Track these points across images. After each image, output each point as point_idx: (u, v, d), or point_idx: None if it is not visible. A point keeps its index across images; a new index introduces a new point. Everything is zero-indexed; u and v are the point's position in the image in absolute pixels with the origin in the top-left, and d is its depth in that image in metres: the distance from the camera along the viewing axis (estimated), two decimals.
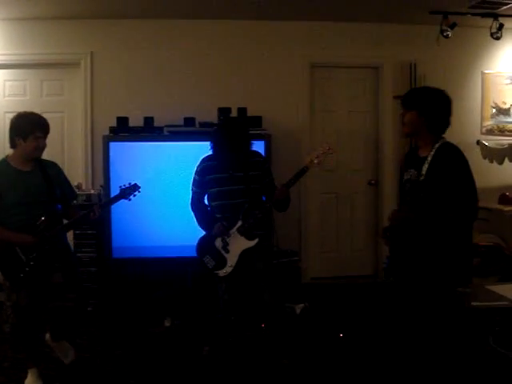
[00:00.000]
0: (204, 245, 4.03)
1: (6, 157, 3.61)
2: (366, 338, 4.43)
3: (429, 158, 3.06)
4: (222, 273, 3.93)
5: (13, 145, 3.56)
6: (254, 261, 3.97)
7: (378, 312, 4.95)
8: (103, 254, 5.22)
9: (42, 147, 3.58)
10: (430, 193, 3.02)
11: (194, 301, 5.03)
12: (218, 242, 3.95)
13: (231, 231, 3.90)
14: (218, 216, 3.97)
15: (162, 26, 5.81)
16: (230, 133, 3.92)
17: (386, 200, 6.19)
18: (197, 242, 4.08)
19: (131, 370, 3.95)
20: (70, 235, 5.32)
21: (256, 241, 3.92)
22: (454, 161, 3.03)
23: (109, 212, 5.07)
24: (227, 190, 3.93)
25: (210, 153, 4.03)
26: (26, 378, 3.63)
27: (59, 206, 3.69)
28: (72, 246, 5.25)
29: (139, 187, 3.82)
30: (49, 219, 3.51)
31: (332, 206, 6.32)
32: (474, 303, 2.92)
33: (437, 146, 3.09)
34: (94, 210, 3.60)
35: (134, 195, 3.80)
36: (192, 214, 4.11)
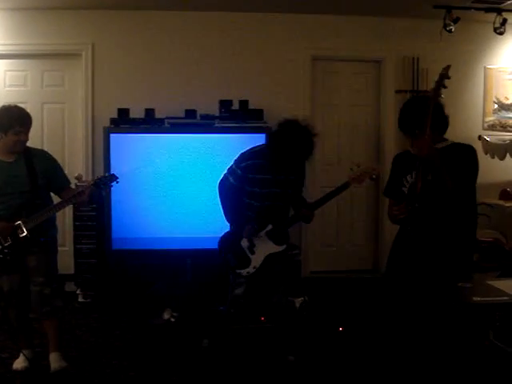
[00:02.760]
0: (229, 242, 3.92)
1: None
2: (366, 332, 4.42)
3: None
4: (244, 272, 3.85)
5: None
6: (275, 263, 3.91)
7: (378, 306, 4.95)
8: (103, 245, 5.21)
9: (23, 141, 3.57)
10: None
11: (193, 293, 5.03)
12: (245, 242, 3.85)
13: (260, 233, 3.83)
14: (248, 213, 3.87)
15: (164, 17, 5.79)
16: (297, 146, 3.67)
17: None
18: (220, 237, 3.97)
19: (130, 361, 3.95)
20: (69, 227, 5.37)
21: (284, 247, 3.86)
22: (465, 154, 3.07)
23: (109, 203, 5.07)
24: (266, 192, 3.82)
25: (257, 148, 3.88)
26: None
27: (42, 195, 3.65)
28: (71, 238, 5.30)
29: (117, 177, 3.70)
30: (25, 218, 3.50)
31: (332, 200, 6.28)
32: (474, 298, 2.91)
33: (442, 145, 3.10)
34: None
35: (111, 185, 3.71)
36: (219, 198, 3.93)
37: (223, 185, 3.94)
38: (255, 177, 3.82)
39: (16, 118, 3.52)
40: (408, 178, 3.21)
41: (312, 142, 3.74)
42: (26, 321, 3.78)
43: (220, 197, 3.95)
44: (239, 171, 3.84)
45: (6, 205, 3.52)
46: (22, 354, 3.74)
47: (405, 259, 3.21)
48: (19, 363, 3.74)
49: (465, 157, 3.07)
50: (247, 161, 3.84)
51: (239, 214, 3.91)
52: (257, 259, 3.84)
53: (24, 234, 3.48)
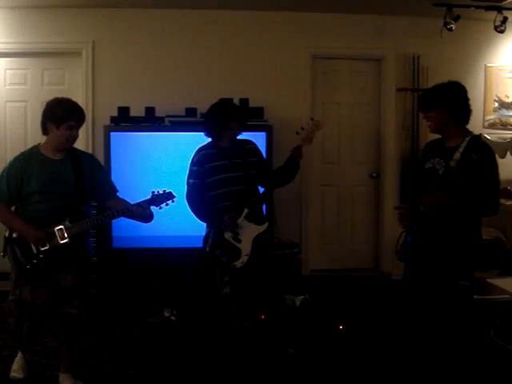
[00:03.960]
0: (212, 240, 3.92)
1: (39, 144, 3.42)
2: (366, 330, 4.43)
3: (460, 149, 3.12)
4: (239, 263, 3.85)
5: (45, 131, 3.36)
6: (263, 254, 3.95)
7: (379, 304, 4.96)
8: (103, 243, 5.21)
9: (75, 137, 3.36)
10: (460, 180, 3.08)
11: (193, 291, 5.02)
12: (228, 234, 3.86)
13: (239, 220, 3.85)
14: (219, 206, 3.90)
15: (165, 15, 5.78)
16: (224, 108, 3.97)
17: (387, 193, 6.19)
18: (203, 238, 3.99)
19: (130, 360, 3.95)
20: None
21: (266, 225, 3.91)
22: (486, 157, 3.14)
23: None
24: (226, 177, 3.89)
25: (205, 143, 4.03)
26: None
27: (87, 201, 3.46)
28: None
29: (174, 196, 3.50)
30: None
31: (333, 198, 6.31)
32: (475, 296, 2.91)
33: (468, 138, 3.17)
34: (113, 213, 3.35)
35: (167, 204, 3.46)
36: (189, 207, 3.98)
37: (189, 192, 3.98)
38: (211, 165, 3.92)
39: (72, 112, 3.32)
40: (427, 163, 3.29)
41: (232, 105, 4.14)
42: (36, 338, 3.61)
43: (190, 206, 3.97)
44: (195, 167, 3.96)
45: (47, 205, 3.27)
46: (19, 359, 3.58)
47: (416, 262, 3.25)
48: (17, 370, 3.58)
49: (485, 165, 3.14)
50: (198, 153, 4.00)
51: (211, 210, 3.94)
52: (245, 246, 3.85)
53: (65, 241, 3.24)
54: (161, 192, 3.46)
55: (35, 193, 3.26)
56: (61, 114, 3.28)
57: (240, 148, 3.99)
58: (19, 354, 3.61)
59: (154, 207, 3.44)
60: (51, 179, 3.30)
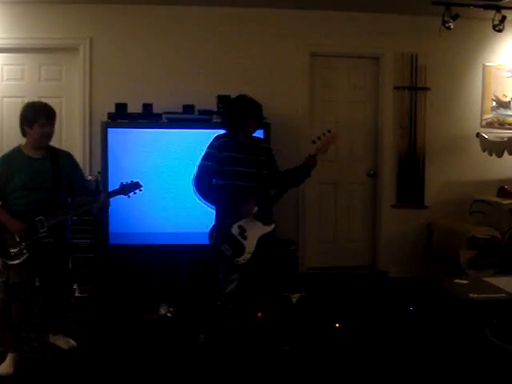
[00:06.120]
0: (219, 233, 3.93)
1: (20, 145, 3.79)
2: (362, 328, 4.43)
3: None
4: (241, 260, 3.87)
5: (23, 133, 3.73)
6: (266, 252, 3.97)
7: (375, 302, 4.96)
8: (100, 240, 5.20)
9: (49, 134, 3.74)
10: None
11: (190, 288, 5.02)
12: (235, 229, 3.87)
13: (248, 217, 3.88)
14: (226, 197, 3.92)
15: (162, 12, 5.76)
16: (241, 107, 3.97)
17: (384, 191, 6.19)
18: (210, 230, 3.98)
19: (127, 356, 3.94)
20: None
21: (273, 226, 3.95)
22: None
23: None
24: (241, 170, 3.91)
25: (224, 132, 4.03)
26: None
27: (62, 194, 3.81)
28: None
29: (141, 186, 3.92)
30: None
31: (330, 196, 6.31)
32: (471, 295, 2.91)
33: None
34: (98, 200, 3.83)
35: (135, 193, 3.89)
36: (197, 190, 3.93)
37: (199, 174, 3.93)
38: (229, 155, 3.92)
39: (41, 111, 3.70)
40: None
41: (250, 100, 4.07)
42: (27, 319, 3.74)
43: (199, 188, 3.92)
44: (213, 150, 3.94)
45: (28, 200, 3.64)
46: (8, 358, 3.64)
47: None
48: (4, 368, 3.60)
49: None
50: (217, 140, 3.98)
51: (220, 194, 3.94)
52: (250, 244, 3.88)
53: (44, 229, 3.61)
54: (129, 182, 3.89)
55: (19, 188, 3.65)
56: (31, 115, 3.68)
57: (254, 145, 4.03)
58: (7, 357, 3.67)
59: (123, 196, 3.88)
60: (32, 176, 3.68)
